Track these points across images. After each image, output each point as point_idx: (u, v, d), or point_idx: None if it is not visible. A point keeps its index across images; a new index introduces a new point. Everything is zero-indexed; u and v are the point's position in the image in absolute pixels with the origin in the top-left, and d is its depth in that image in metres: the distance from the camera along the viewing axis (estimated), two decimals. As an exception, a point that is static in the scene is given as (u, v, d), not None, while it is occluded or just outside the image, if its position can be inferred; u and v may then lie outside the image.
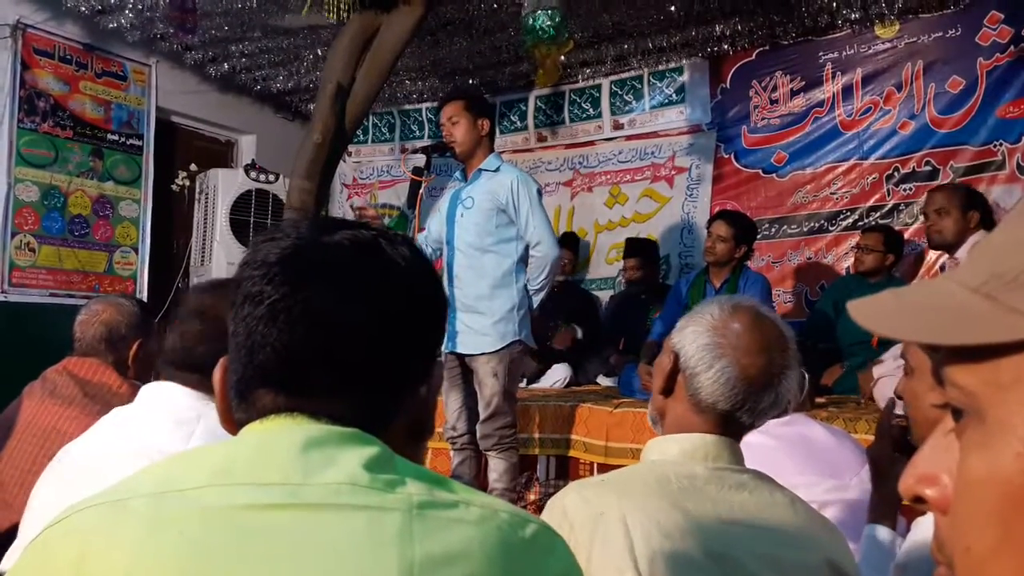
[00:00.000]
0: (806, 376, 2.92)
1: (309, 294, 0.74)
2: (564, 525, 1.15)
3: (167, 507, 0.67)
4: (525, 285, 3.40)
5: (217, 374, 0.80)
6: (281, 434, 0.72)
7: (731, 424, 1.25)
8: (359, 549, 0.65)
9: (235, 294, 0.77)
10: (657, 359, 1.34)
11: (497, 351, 3.30)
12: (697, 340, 1.25)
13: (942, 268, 4.63)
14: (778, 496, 1.25)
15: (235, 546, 0.65)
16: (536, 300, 3.41)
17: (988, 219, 3.51)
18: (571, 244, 5.41)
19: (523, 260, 3.40)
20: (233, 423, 0.79)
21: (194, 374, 1.42)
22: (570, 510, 1.15)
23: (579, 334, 5.04)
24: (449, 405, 3.46)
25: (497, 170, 3.41)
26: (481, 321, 3.33)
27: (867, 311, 0.46)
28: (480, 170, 3.41)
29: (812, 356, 4.04)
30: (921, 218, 4.70)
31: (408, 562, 0.64)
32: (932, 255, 4.65)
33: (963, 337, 0.42)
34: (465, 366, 3.43)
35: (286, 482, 0.68)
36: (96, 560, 0.66)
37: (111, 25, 5.03)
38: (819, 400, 3.53)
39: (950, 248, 3.54)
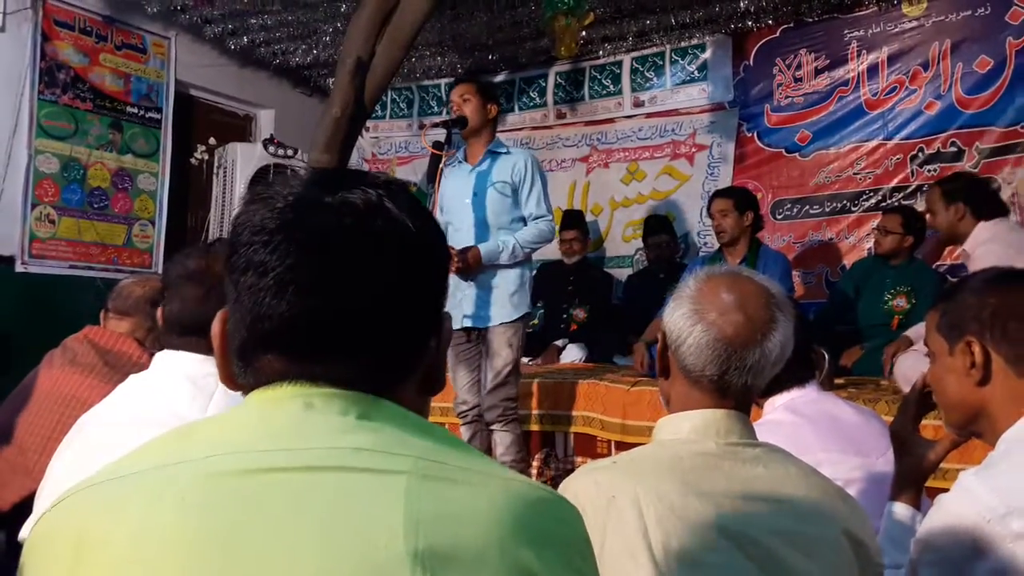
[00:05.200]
0: (826, 356, 2.92)
1: (315, 264, 0.72)
2: None
3: (168, 479, 0.67)
4: (529, 261, 3.54)
5: (216, 327, 0.78)
6: (286, 401, 0.72)
7: (729, 391, 1.23)
8: (363, 506, 0.64)
9: (232, 257, 0.75)
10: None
11: (513, 321, 3.42)
12: (676, 312, 1.25)
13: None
14: (792, 469, 1.24)
15: (238, 509, 0.64)
16: (516, 251, 3.44)
17: (980, 206, 3.43)
18: (578, 223, 5.28)
19: None
20: (234, 380, 0.78)
21: (202, 338, 1.41)
22: (581, 495, 1.14)
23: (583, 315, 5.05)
24: (458, 381, 3.51)
25: (508, 152, 3.54)
26: (496, 294, 3.43)
27: None
28: (492, 152, 3.52)
29: (831, 337, 4.05)
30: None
31: (414, 518, 0.63)
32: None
33: None
34: (474, 341, 3.48)
35: (289, 447, 0.67)
36: (97, 537, 0.65)
37: (131, -3, 5.03)
38: (838, 381, 3.51)
39: (954, 241, 3.60)
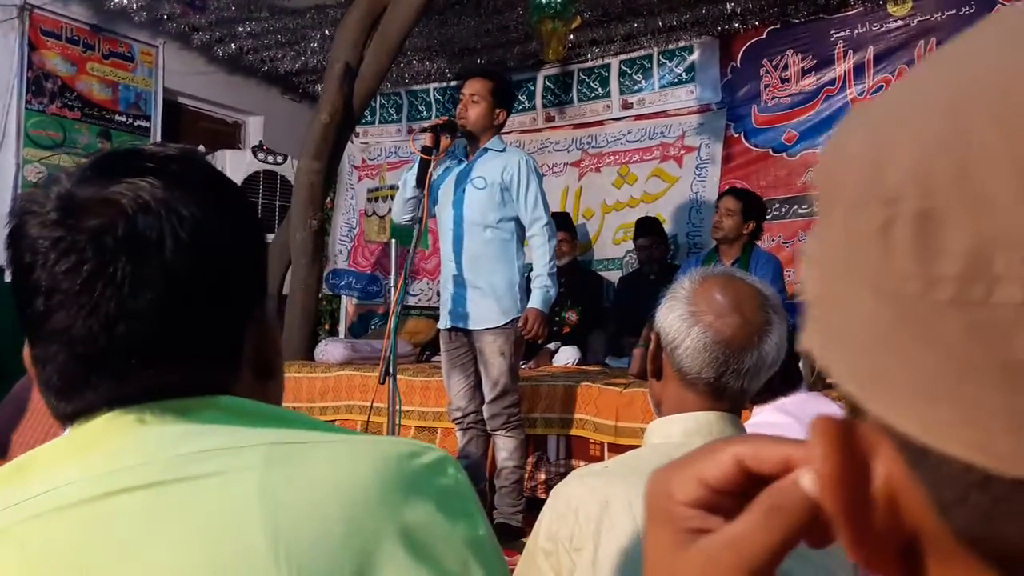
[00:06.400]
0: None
1: (91, 282, 0.65)
2: (569, 515, 1.14)
3: (4, 525, 0.62)
4: (522, 265, 3.43)
5: (25, 356, 0.72)
6: (115, 421, 0.67)
7: (725, 394, 1.22)
8: (217, 510, 0.60)
9: (15, 282, 0.69)
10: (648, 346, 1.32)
11: (502, 326, 3.33)
12: (672, 313, 1.23)
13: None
14: None
15: (85, 541, 0.60)
16: (551, 282, 3.38)
17: None
18: (566, 225, 5.27)
19: (521, 239, 3.44)
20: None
21: None
22: (574, 500, 1.13)
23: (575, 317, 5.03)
24: (452, 386, 3.46)
25: (503, 151, 3.44)
26: (482, 295, 3.35)
27: None
28: (485, 149, 3.42)
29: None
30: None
31: (271, 510, 0.60)
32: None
33: None
34: (463, 344, 3.44)
35: (131, 466, 0.63)
36: None
37: (118, 4, 5.01)
38: (829, 381, 3.52)
39: None
